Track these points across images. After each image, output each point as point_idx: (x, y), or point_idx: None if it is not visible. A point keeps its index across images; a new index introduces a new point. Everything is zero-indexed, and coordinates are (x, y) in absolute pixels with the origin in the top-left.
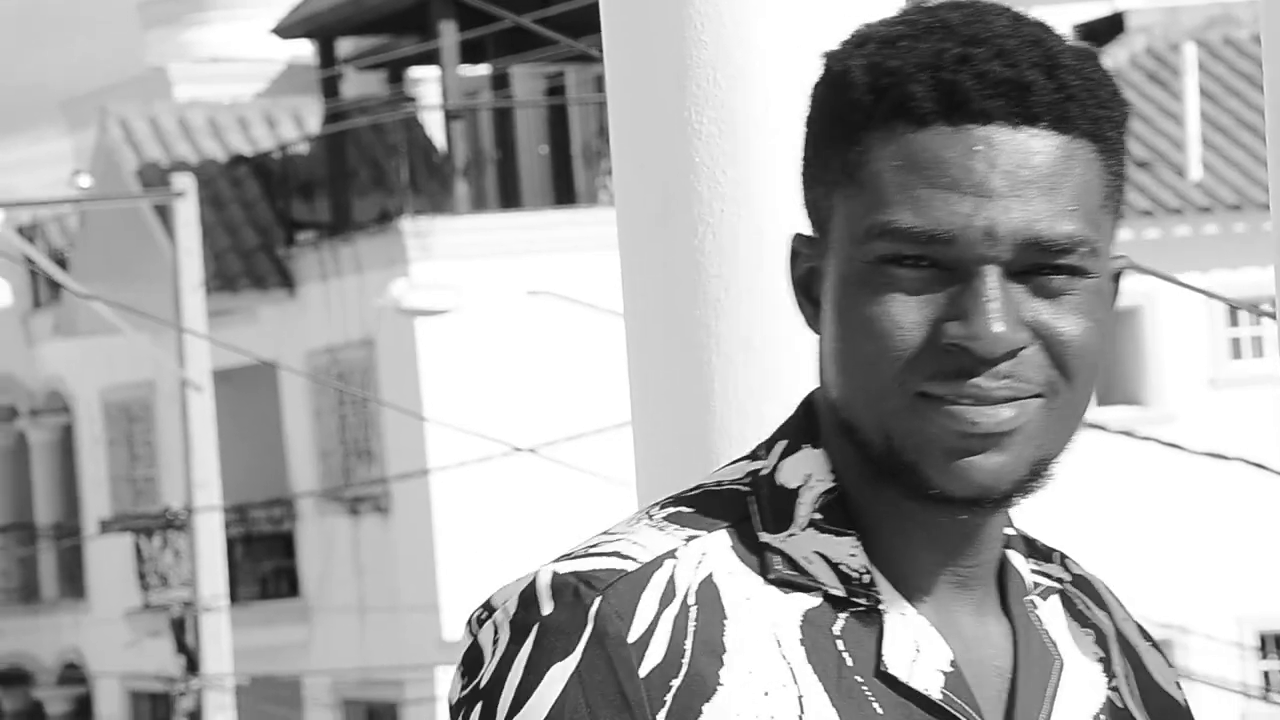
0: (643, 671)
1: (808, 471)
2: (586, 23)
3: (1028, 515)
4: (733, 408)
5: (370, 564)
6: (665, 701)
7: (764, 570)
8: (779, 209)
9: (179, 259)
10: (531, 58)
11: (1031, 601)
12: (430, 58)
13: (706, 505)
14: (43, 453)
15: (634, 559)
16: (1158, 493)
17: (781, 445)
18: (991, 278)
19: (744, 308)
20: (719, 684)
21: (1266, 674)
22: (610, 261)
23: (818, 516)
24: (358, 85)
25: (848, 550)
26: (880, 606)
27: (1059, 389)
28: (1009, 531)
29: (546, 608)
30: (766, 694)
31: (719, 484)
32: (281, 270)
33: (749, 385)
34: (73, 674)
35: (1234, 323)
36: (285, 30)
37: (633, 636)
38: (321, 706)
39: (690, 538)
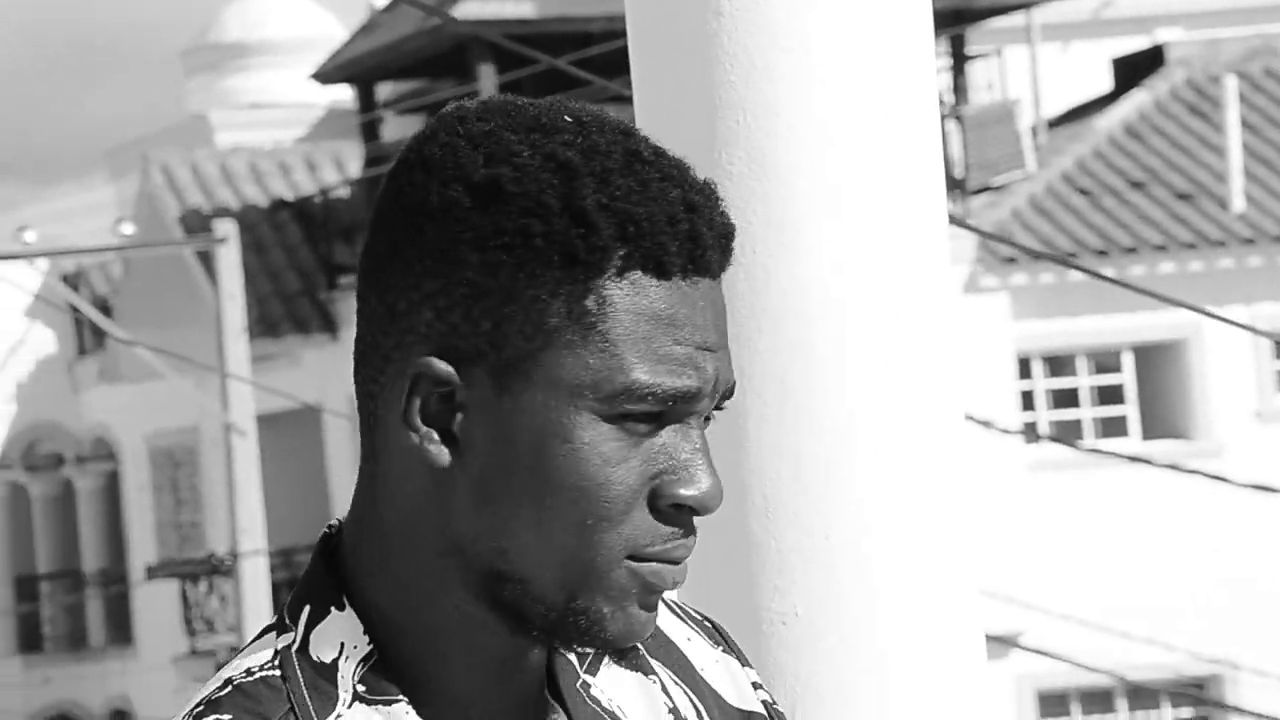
0: None
1: (341, 639)
2: (624, 63)
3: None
4: (726, 444)
5: None
6: None
7: None
8: (811, 249)
9: (221, 304)
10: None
11: (585, 684)
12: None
13: (238, 709)
14: (89, 500)
15: None
16: (1204, 526)
17: (307, 611)
18: (702, 430)
19: (778, 349)
20: None
21: None
22: None
23: (361, 689)
24: (398, 129)
25: (401, 719)
26: None
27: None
28: None
29: None
30: None
31: (248, 674)
32: (324, 314)
33: (782, 421)
34: None
35: None
36: (325, 75)
37: None
38: None
39: None
